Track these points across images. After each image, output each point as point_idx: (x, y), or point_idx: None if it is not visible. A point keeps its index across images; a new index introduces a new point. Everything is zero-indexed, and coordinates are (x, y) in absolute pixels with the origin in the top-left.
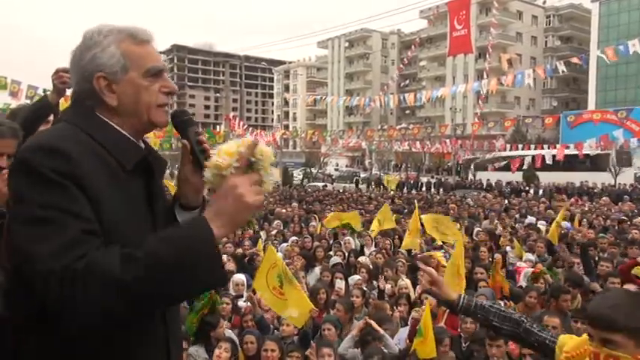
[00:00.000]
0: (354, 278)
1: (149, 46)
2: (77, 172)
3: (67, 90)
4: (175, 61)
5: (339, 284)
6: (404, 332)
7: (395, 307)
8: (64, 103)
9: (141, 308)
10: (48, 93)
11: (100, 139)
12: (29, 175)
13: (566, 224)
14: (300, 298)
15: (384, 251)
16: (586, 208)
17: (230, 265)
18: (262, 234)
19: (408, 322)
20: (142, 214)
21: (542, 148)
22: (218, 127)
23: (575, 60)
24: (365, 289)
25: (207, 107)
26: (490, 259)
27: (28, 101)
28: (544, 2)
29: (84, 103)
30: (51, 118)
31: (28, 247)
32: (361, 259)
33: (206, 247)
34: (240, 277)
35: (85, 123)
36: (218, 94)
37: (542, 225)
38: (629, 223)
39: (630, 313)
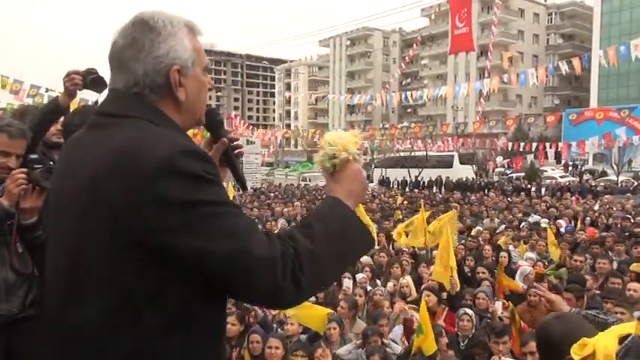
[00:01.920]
0: (359, 276)
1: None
2: (218, 172)
3: (77, 92)
4: None
5: (347, 283)
6: (398, 329)
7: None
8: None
9: (325, 280)
10: (59, 95)
11: None
12: (186, 178)
13: (566, 225)
14: (311, 309)
15: (386, 250)
16: (587, 207)
17: None
18: None
19: (399, 319)
20: None
21: (545, 147)
22: None
23: (576, 61)
24: (369, 287)
25: (208, 106)
26: (494, 258)
27: (30, 100)
28: (546, 0)
29: (146, 96)
30: (61, 119)
31: (228, 243)
32: (363, 258)
33: (356, 224)
34: None
35: (162, 122)
36: (219, 93)
37: (544, 223)
38: (632, 221)
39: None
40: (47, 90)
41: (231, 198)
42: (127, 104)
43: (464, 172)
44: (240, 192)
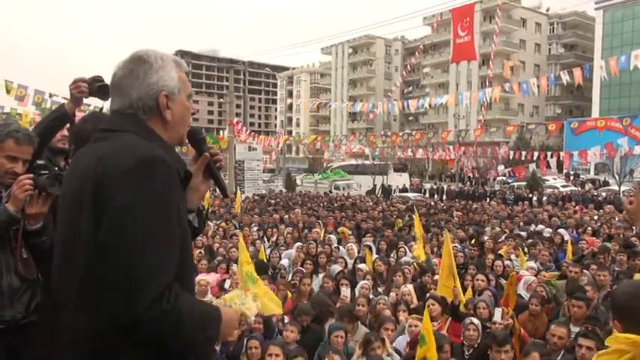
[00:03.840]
0: (362, 283)
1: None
2: (177, 182)
3: (83, 99)
4: None
5: (345, 292)
6: (402, 340)
7: (396, 314)
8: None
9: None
10: (65, 102)
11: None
12: (149, 184)
13: (569, 234)
14: (267, 292)
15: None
16: (588, 217)
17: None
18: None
19: (406, 331)
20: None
21: (546, 156)
22: (222, 132)
23: (577, 71)
24: (371, 296)
25: (210, 112)
26: (496, 267)
27: (34, 107)
28: (548, 10)
29: (138, 116)
30: (67, 125)
31: (141, 262)
32: (363, 266)
33: (216, 330)
34: None
35: (148, 135)
36: (222, 100)
37: (547, 233)
38: (634, 231)
39: (621, 301)
40: (51, 95)
41: (206, 205)
42: (121, 121)
43: (398, 179)
44: (229, 197)
